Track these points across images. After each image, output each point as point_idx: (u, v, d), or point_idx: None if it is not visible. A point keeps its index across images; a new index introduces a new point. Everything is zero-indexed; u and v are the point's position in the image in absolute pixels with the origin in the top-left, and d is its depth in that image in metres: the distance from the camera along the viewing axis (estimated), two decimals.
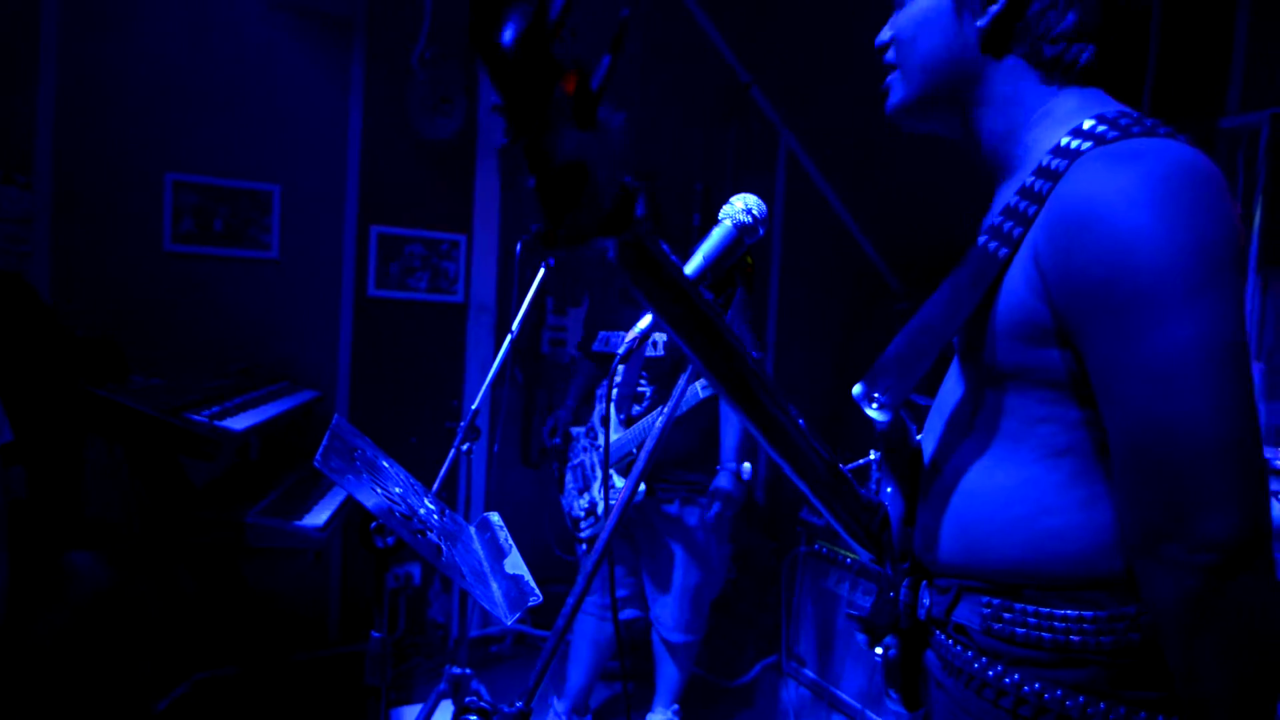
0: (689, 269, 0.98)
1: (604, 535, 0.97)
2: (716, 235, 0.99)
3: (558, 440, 2.83)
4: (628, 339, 0.97)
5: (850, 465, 2.52)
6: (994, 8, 0.88)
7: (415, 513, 1.31)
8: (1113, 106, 0.87)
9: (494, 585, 1.29)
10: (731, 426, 2.55)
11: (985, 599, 0.93)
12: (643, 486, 2.48)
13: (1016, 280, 0.85)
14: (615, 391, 2.54)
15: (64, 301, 2.94)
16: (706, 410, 2.56)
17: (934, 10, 0.91)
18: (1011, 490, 0.91)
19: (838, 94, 4.01)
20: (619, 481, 2.50)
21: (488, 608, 1.19)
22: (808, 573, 3.05)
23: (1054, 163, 0.84)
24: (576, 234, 0.57)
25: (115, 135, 3.07)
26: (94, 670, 2.36)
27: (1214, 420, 0.73)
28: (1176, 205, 0.75)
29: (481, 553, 1.42)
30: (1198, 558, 0.73)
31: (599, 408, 2.63)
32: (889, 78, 0.98)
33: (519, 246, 2.40)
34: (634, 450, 2.48)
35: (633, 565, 2.72)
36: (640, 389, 2.54)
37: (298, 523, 2.24)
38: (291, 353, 3.37)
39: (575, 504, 2.66)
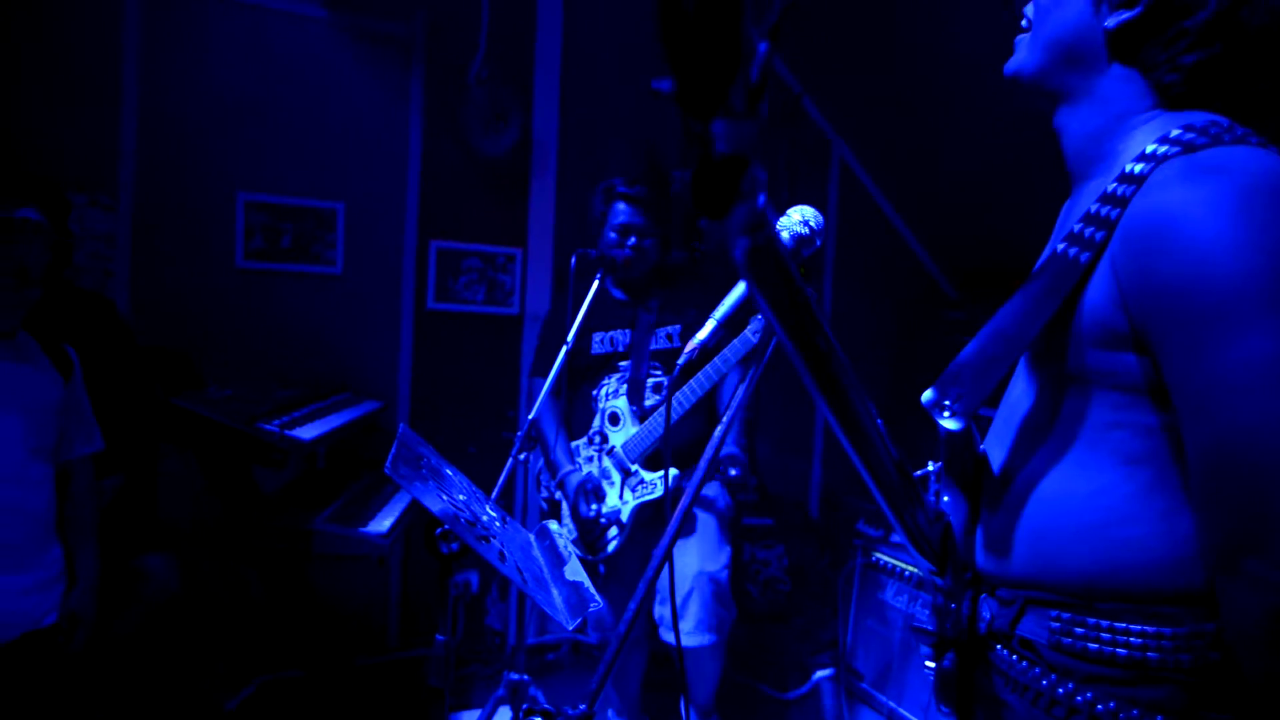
0: (742, 286, 1.00)
1: (669, 532, 0.98)
2: None
3: (556, 494, 2.63)
4: (688, 349, 0.99)
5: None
6: (1125, 14, 0.88)
7: (478, 519, 1.34)
8: (1202, 116, 0.85)
9: (554, 591, 1.32)
10: (731, 413, 2.49)
11: (1054, 612, 0.91)
12: (675, 471, 2.44)
13: (1097, 285, 0.85)
14: (622, 388, 2.48)
15: (142, 315, 3.09)
16: (710, 402, 2.49)
17: None
18: (1086, 497, 0.89)
19: (889, 103, 3.98)
20: (647, 475, 2.43)
21: (549, 613, 1.22)
22: (865, 585, 3.02)
23: (1138, 168, 0.83)
24: (724, 229, 0.55)
25: (191, 157, 3.23)
26: (168, 668, 2.45)
27: None
28: (1258, 216, 0.73)
29: (542, 560, 1.45)
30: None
31: (604, 407, 2.51)
32: (1018, 38, 0.97)
33: (574, 260, 2.44)
34: (657, 441, 2.40)
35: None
36: (658, 379, 2.51)
37: (363, 529, 2.31)
38: (354, 364, 3.47)
39: (586, 520, 2.49)
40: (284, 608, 2.93)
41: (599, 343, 2.58)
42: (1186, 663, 0.83)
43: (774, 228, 0.59)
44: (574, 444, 2.62)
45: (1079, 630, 0.88)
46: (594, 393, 2.57)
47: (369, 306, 3.55)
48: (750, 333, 2.22)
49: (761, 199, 0.53)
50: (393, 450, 1.27)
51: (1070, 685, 0.88)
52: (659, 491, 2.39)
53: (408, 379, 3.62)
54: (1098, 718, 0.85)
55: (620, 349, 2.56)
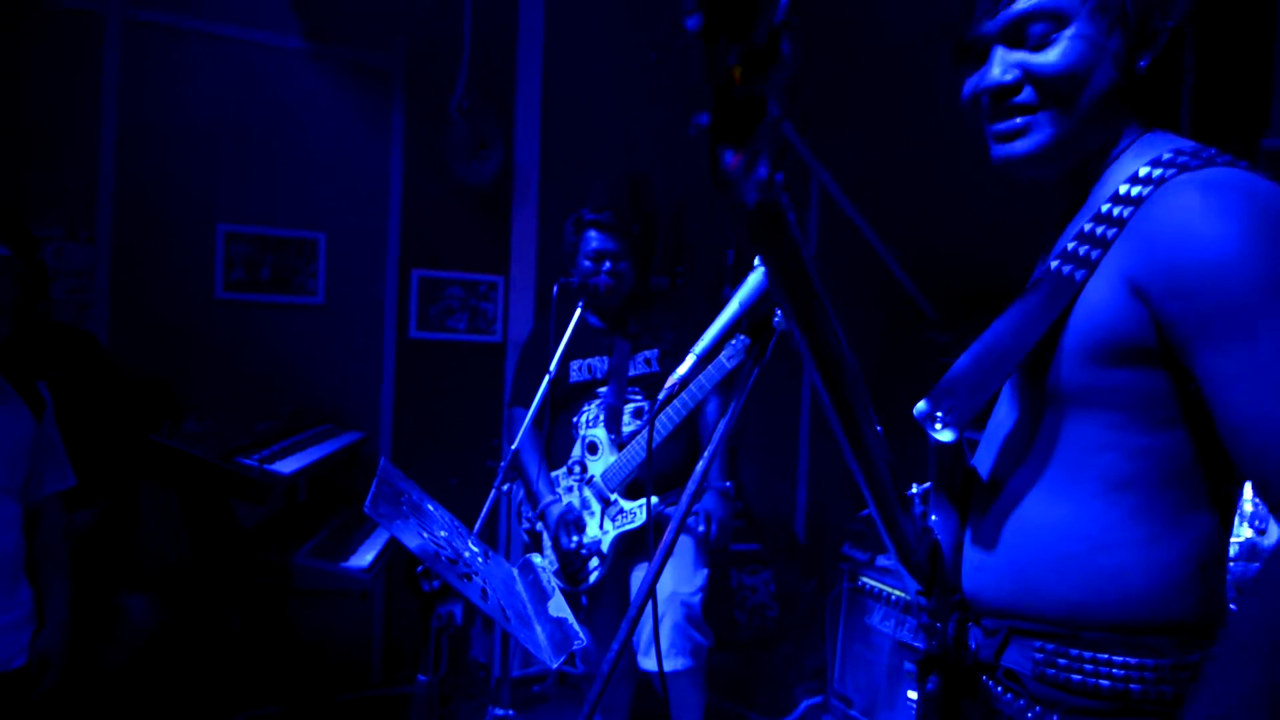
0: (726, 315, 1.00)
1: (652, 566, 0.97)
2: (752, 282, 1.01)
3: (537, 525, 2.60)
4: (669, 384, 0.99)
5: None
6: (1150, 55, 0.90)
7: (460, 556, 1.33)
8: (1188, 142, 0.90)
9: (538, 628, 1.30)
10: (715, 446, 2.47)
11: (1038, 643, 0.91)
12: (655, 499, 2.42)
13: (1096, 302, 0.86)
14: (601, 416, 2.47)
15: (121, 348, 3.06)
16: (692, 428, 2.50)
17: (1099, 52, 0.89)
18: (1068, 525, 0.90)
19: (868, 130, 4.04)
20: (627, 505, 2.41)
21: (533, 651, 1.20)
22: (852, 610, 3.01)
23: (1134, 190, 0.86)
24: (736, 177, 0.54)
25: (170, 189, 3.22)
26: (148, 707, 2.40)
27: None
28: (1273, 223, 0.78)
29: (525, 595, 1.44)
30: None
31: (583, 436, 2.51)
32: (1021, 119, 0.93)
33: (555, 289, 2.44)
34: (636, 470, 2.38)
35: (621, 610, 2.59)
36: (638, 404, 2.50)
37: (344, 564, 2.28)
38: (336, 395, 3.45)
39: (567, 552, 2.47)
40: (265, 644, 2.88)
41: (577, 370, 2.57)
42: (1169, 695, 0.84)
43: (783, 189, 0.59)
44: (554, 474, 2.59)
45: (1062, 661, 0.89)
46: (574, 420, 2.55)
47: (351, 336, 3.53)
48: (725, 358, 2.23)
49: (768, 161, 0.53)
50: (373, 488, 1.26)
51: (1055, 717, 0.89)
52: (639, 520, 2.38)
53: (390, 409, 3.60)
54: None
55: (598, 376, 2.55)
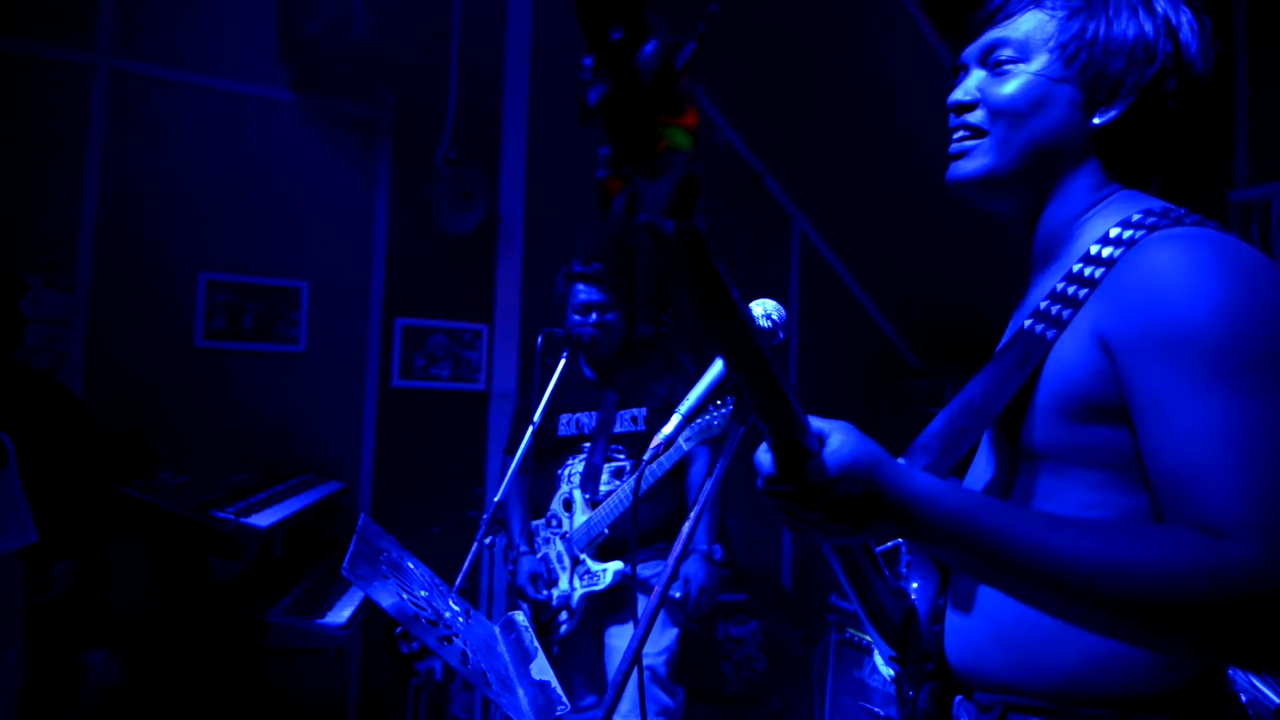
0: (710, 375, 1.00)
1: (637, 634, 0.95)
2: None
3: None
4: (654, 444, 0.98)
5: (879, 548, 2.42)
6: (1111, 113, 0.89)
7: (440, 616, 1.30)
8: (1158, 202, 0.89)
9: (520, 693, 1.27)
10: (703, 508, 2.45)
11: (1037, 719, 0.86)
12: (619, 565, 2.38)
13: (1067, 359, 0.84)
14: (581, 474, 2.45)
15: (97, 397, 3.01)
16: (673, 486, 2.47)
17: (1052, 94, 0.89)
18: None
19: (849, 180, 4.11)
20: (595, 565, 2.40)
21: (515, 718, 1.17)
22: (841, 663, 2.96)
23: (1104, 251, 0.85)
24: (645, 200, 0.51)
25: (152, 236, 3.20)
26: None
27: None
28: (1250, 280, 0.77)
29: (507, 656, 1.40)
30: None
31: (562, 490, 2.49)
32: (969, 143, 0.94)
33: (540, 338, 2.43)
34: (605, 530, 2.36)
35: (597, 668, 2.53)
36: (620, 463, 2.48)
37: (320, 621, 2.22)
38: (317, 444, 3.40)
39: (536, 603, 2.46)
40: (236, 704, 2.79)
41: (565, 424, 2.56)
42: None
43: (697, 216, 0.55)
44: (535, 523, 2.58)
45: None
46: (558, 473, 2.54)
47: (333, 385, 3.50)
48: (712, 420, 2.21)
49: (683, 167, 0.51)
50: (351, 547, 1.23)
51: None
52: (605, 582, 2.37)
53: (370, 458, 3.55)
54: None
55: (585, 431, 2.53)
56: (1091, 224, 0.91)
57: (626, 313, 2.55)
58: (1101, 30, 0.88)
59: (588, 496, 2.43)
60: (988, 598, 0.92)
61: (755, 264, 4.28)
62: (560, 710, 1.23)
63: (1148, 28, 0.88)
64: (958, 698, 0.94)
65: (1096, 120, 0.89)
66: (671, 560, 0.95)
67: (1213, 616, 0.68)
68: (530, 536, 2.57)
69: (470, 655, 1.23)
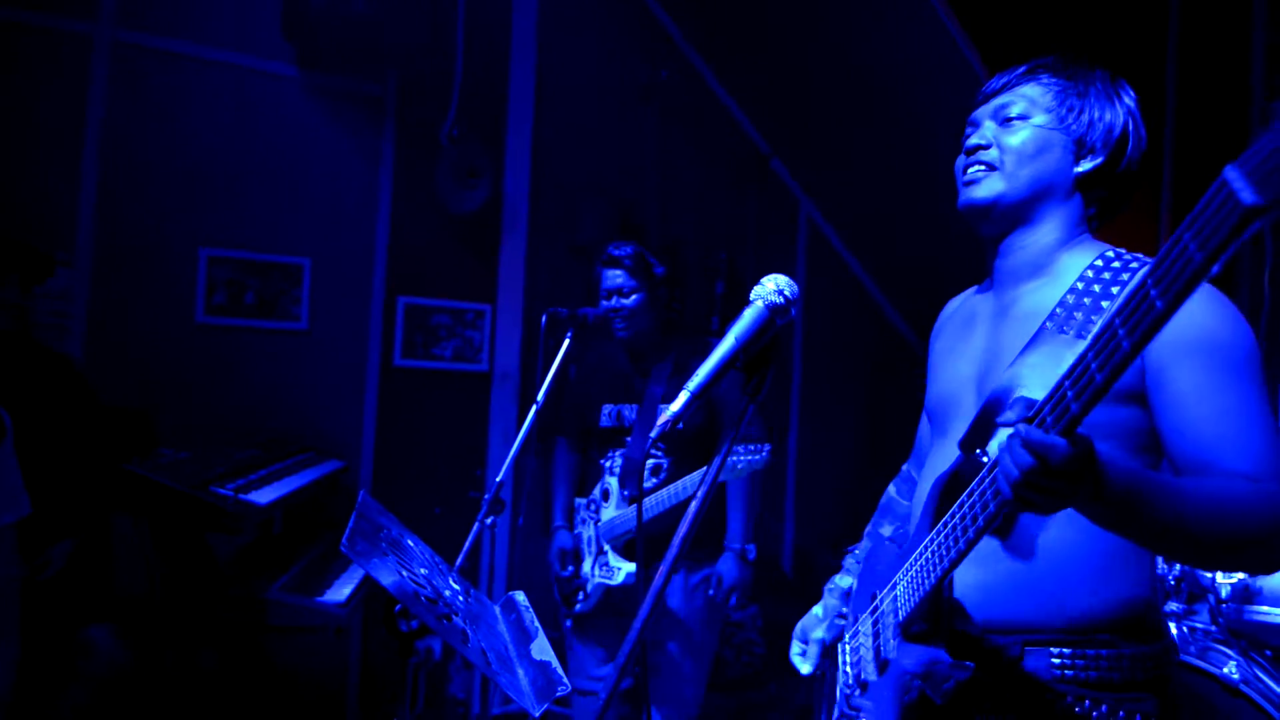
0: (721, 350, 0.98)
1: (637, 622, 0.93)
2: (749, 316, 0.98)
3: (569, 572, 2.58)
4: (660, 422, 0.95)
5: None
6: (1089, 166, 1.18)
7: (440, 595, 1.28)
8: (1113, 248, 1.17)
9: (520, 672, 1.25)
10: (738, 505, 2.44)
11: (1055, 650, 1.07)
12: (632, 568, 2.39)
13: None
14: (621, 467, 2.48)
15: (98, 373, 2.99)
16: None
17: (1052, 143, 1.17)
18: (1087, 544, 1.07)
19: (857, 164, 4.07)
20: (614, 560, 2.41)
21: (514, 697, 1.15)
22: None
23: (1105, 274, 1.11)
24: None
25: (153, 212, 3.17)
26: None
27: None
28: (1230, 306, 1.06)
29: (507, 635, 1.38)
30: None
31: (602, 481, 2.50)
32: (980, 174, 1.19)
33: (544, 317, 2.41)
34: (634, 529, 2.38)
35: (616, 645, 2.57)
36: (656, 460, 2.47)
37: (320, 599, 2.21)
38: (318, 422, 3.38)
39: (560, 578, 2.51)
40: (236, 680, 2.79)
41: (607, 416, 2.55)
42: (1159, 676, 1.08)
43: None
44: (579, 501, 2.61)
45: (1080, 663, 1.07)
46: (601, 462, 2.54)
47: (334, 363, 3.48)
48: (737, 461, 2.21)
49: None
50: (350, 523, 1.21)
51: (1083, 707, 1.06)
52: (618, 581, 2.38)
53: (372, 437, 3.54)
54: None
55: (626, 424, 2.52)
56: (1070, 256, 1.16)
57: (654, 297, 2.51)
58: (1085, 104, 1.17)
59: (624, 492, 2.44)
60: (1010, 559, 1.09)
61: (762, 249, 4.24)
62: (560, 691, 1.22)
63: (1117, 106, 1.18)
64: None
65: (1081, 167, 1.18)
66: (665, 563, 0.92)
67: (1273, 532, 0.95)
68: (570, 514, 2.61)
69: (470, 634, 1.21)
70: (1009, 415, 0.87)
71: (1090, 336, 0.79)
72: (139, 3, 3.15)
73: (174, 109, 3.20)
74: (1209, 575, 2.23)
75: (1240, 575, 2.19)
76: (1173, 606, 2.27)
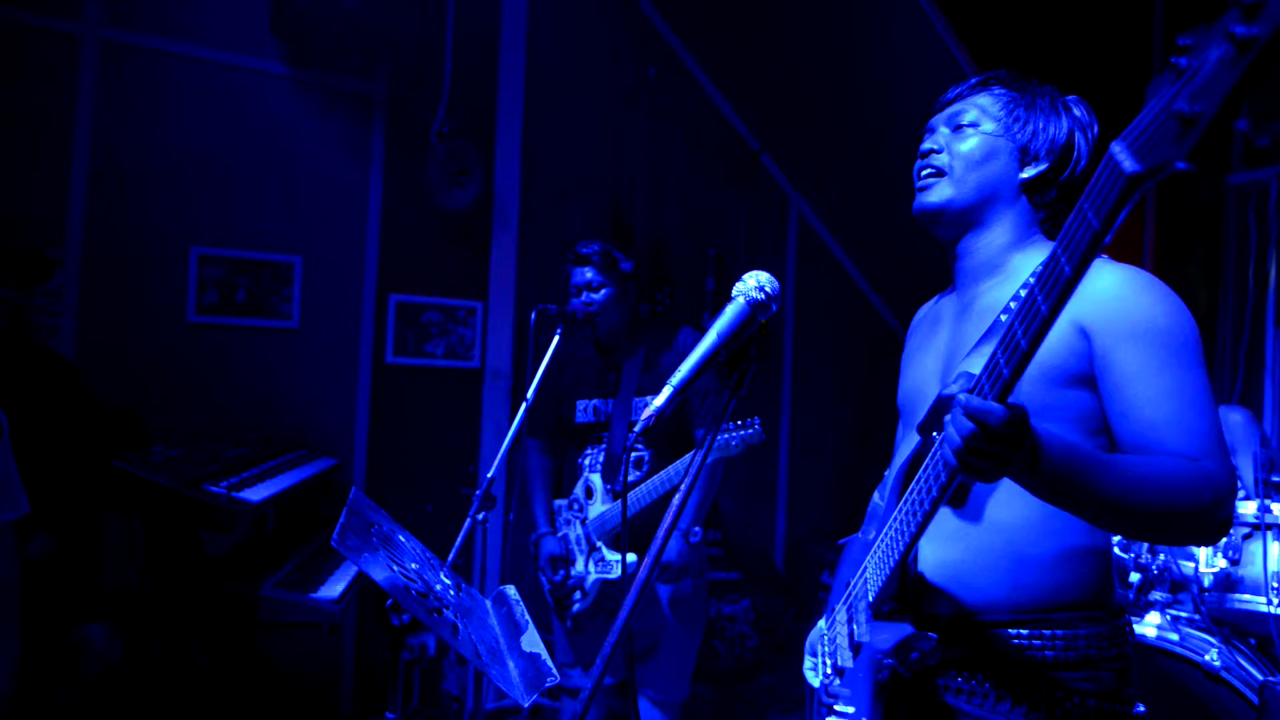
0: (703, 346, 0.99)
1: (622, 614, 0.95)
2: (730, 312, 1.00)
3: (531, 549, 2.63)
4: (644, 416, 0.97)
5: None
6: (1036, 169, 1.24)
7: (431, 589, 1.30)
8: None
9: (510, 664, 1.27)
10: (695, 489, 2.46)
11: (1014, 630, 1.12)
12: (632, 557, 2.40)
13: (1050, 342, 1.04)
14: (602, 463, 2.49)
15: (89, 371, 2.99)
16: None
17: (999, 150, 1.24)
18: (1043, 524, 1.13)
19: (845, 160, 4.09)
20: (610, 555, 2.42)
21: (504, 689, 1.17)
22: None
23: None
24: None
25: (144, 210, 3.17)
26: None
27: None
28: (1171, 294, 1.13)
29: (498, 629, 1.40)
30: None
31: (583, 478, 2.52)
32: (932, 180, 1.26)
33: (534, 316, 2.42)
34: (621, 525, 2.38)
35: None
36: (639, 453, 2.48)
37: (313, 595, 2.22)
38: (310, 420, 3.39)
39: (553, 583, 2.49)
40: (230, 678, 2.80)
41: (583, 411, 2.56)
42: (1115, 654, 1.13)
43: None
44: (559, 502, 2.60)
45: (1037, 643, 1.12)
46: (579, 460, 2.55)
47: (326, 361, 3.49)
48: (730, 439, 2.25)
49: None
50: (341, 519, 1.22)
51: (1044, 688, 1.10)
52: (618, 573, 2.38)
53: (364, 435, 3.55)
54: (1056, 706, 1.09)
55: (602, 419, 2.53)
56: (1023, 256, 1.23)
57: (618, 290, 2.53)
58: (1032, 115, 1.24)
59: (609, 486, 2.45)
60: (969, 540, 1.16)
61: (752, 244, 4.26)
62: (550, 682, 1.23)
63: (1062, 119, 1.24)
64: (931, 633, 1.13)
65: (1025, 174, 1.24)
66: (655, 544, 0.95)
67: (1210, 507, 1.01)
68: (552, 517, 2.60)
69: (460, 627, 1.23)
70: (952, 388, 0.92)
71: (1016, 307, 0.85)
72: (126, 2, 3.15)
73: (163, 108, 3.20)
74: (1192, 565, 2.27)
75: (1222, 564, 2.23)
76: (1157, 595, 2.31)
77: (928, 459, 1.02)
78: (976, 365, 1.01)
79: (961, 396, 0.87)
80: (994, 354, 0.86)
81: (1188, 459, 1.03)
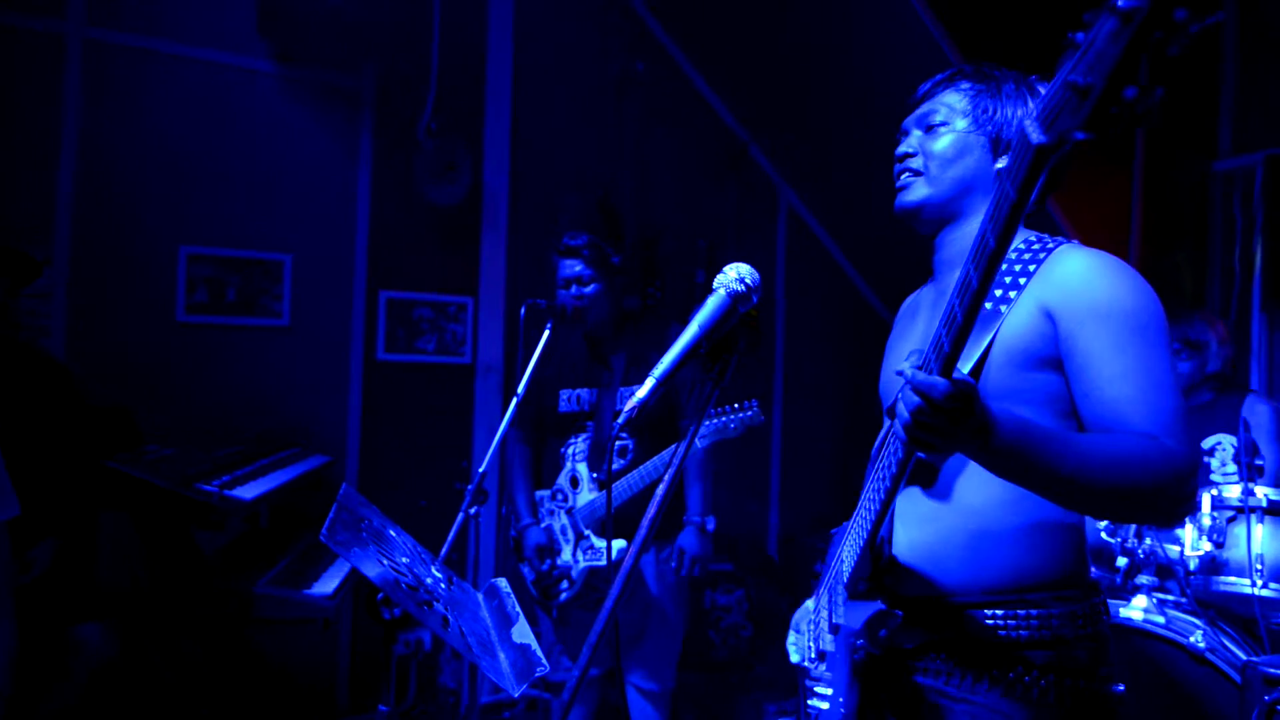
0: (685, 338, 1.01)
1: (609, 602, 0.97)
2: (711, 304, 1.01)
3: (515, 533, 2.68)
4: (628, 407, 0.98)
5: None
6: (1007, 162, 1.19)
7: (422, 582, 1.31)
8: (1035, 233, 1.26)
9: (501, 656, 1.28)
10: (696, 479, 2.48)
11: (988, 612, 1.13)
12: (620, 544, 2.42)
13: (1019, 325, 1.14)
14: (586, 451, 2.51)
15: (79, 372, 2.99)
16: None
17: (971, 145, 1.26)
18: (1014, 503, 1.13)
19: (835, 152, 4.10)
20: (598, 542, 2.43)
21: (495, 679, 1.19)
22: None
23: (1024, 256, 1.19)
24: None
25: (132, 210, 3.16)
26: None
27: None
28: (1136, 276, 1.14)
29: (489, 621, 1.42)
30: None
31: (568, 467, 2.53)
32: (909, 179, 1.28)
33: (523, 310, 2.43)
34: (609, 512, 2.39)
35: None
36: (624, 442, 2.50)
37: (307, 591, 2.23)
38: (302, 418, 3.39)
39: (540, 574, 2.51)
40: (225, 674, 2.81)
41: (566, 401, 2.57)
42: (1090, 632, 1.14)
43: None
44: (540, 493, 2.61)
45: (1012, 624, 1.13)
46: (561, 450, 2.56)
47: (317, 358, 3.49)
48: (728, 421, 2.29)
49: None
50: (331, 514, 1.23)
51: (1019, 669, 1.11)
52: (605, 560, 2.39)
53: (357, 431, 3.55)
54: (1032, 685, 1.10)
55: (585, 408, 2.54)
56: None
57: (608, 283, 2.54)
58: (999, 104, 1.25)
59: (594, 475, 2.46)
60: (943, 521, 1.17)
61: (742, 236, 4.27)
62: (539, 672, 1.25)
63: (1029, 103, 1.24)
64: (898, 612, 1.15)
65: (1000, 163, 1.24)
66: (641, 531, 0.96)
67: (1169, 485, 1.01)
68: (535, 508, 2.60)
69: (451, 620, 1.24)
70: (904, 366, 0.93)
71: (954, 284, 0.87)
72: (110, 1, 3.13)
73: (150, 106, 3.19)
74: (1177, 549, 2.29)
75: (1207, 548, 2.26)
76: (1143, 579, 2.33)
77: (889, 438, 1.04)
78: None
79: (909, 372, 0.89)
80: (938, 330, 0.88)
81: (1149, 437, 1.03)
